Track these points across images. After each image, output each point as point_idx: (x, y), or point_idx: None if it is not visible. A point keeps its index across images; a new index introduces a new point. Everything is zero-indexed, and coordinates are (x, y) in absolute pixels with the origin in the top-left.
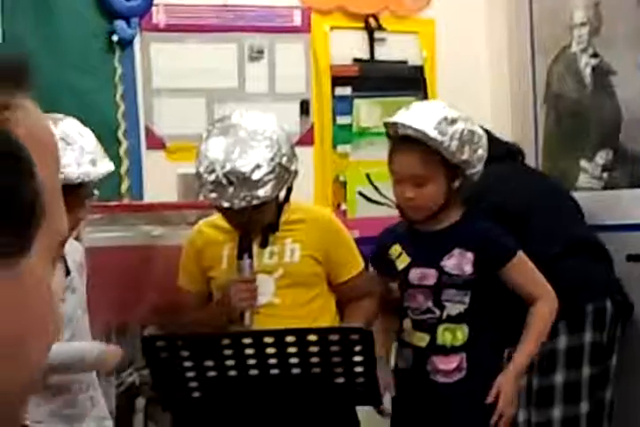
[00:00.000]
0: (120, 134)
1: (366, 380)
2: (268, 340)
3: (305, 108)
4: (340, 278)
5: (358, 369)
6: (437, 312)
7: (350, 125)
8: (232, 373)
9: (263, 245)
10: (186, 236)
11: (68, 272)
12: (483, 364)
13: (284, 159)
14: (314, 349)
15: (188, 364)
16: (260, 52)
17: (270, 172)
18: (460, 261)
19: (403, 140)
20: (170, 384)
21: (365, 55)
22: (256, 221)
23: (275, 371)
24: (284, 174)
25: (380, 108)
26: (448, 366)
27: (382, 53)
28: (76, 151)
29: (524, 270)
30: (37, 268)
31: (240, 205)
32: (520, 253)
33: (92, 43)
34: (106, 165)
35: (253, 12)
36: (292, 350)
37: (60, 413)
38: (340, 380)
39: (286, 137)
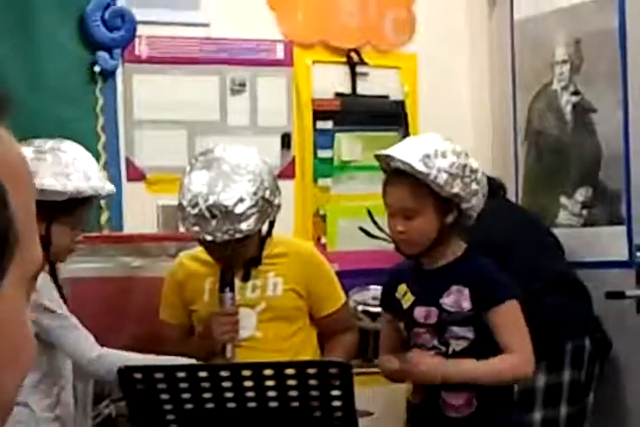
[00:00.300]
0: (100, 165)
1: (344, 414)
2: (246, 373)
3: (286, 141)
4: (322, 312)
5: (336, 403)
6: (443, 349)
7: (331, 159)
8: (209, 405)
9: (245, 278)
10: (166, 267)
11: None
12: (493, 397)
13: (267, 193)
14: (292, 382)
15: (165, 396)
16: (242, 84)
17: (253, 205)
18: (458, 298)
19: (394, 174)
20: (147, 416)
21: (347, 89)
22: (238, 255)
23: (252, 404)
24: (266, 208)
25: (361, 142)
26: (458, 401)
27: (364, 88)
28: (84, 167)
29: (511, 317)
30: (11, 298)
31: (223, 238)
32: (514, 301)
33: (74, 73)
34: (110, 185)
35: (236, 45)
36: (269, 383)
37: None
38: (318, 414)
39: (269, 171)
